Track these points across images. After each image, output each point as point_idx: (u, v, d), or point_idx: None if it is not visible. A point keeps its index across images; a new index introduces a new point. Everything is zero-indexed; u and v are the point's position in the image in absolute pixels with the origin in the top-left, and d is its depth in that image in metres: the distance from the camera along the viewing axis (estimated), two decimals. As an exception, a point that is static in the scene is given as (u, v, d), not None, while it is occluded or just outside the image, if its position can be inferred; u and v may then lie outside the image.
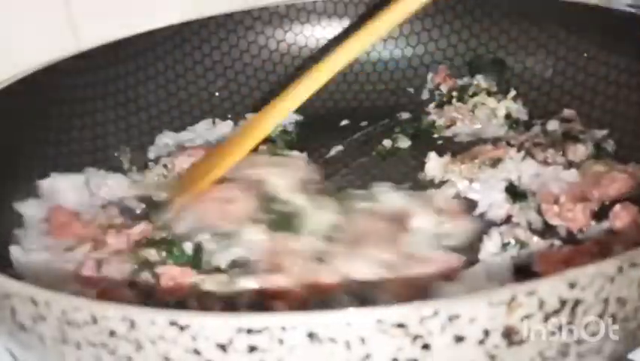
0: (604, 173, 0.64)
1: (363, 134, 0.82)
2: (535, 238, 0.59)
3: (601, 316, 0.39)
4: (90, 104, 0.80)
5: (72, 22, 0.86)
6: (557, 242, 0.58)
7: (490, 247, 0.58)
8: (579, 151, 0.69)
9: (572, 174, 0.65)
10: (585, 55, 0.79)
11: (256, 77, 0.90)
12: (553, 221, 0.61)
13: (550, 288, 0.37)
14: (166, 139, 0.84)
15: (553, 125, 0.75)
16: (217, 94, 0.89)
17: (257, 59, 0.90)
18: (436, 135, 0.80)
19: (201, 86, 0.89)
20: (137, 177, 0.76)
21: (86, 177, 0.73)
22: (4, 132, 0.69)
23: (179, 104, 0.87)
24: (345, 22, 0.91)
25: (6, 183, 0.67)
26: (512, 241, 0.58)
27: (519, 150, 0.69)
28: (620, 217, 0.58)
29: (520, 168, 0.67)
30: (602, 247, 0.54)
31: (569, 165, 0.67)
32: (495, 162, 0.68)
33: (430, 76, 0.88)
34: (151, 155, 0.81)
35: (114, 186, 0.73)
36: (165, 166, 0.75)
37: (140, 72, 0.85)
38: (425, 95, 0.87)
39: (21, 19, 0.83)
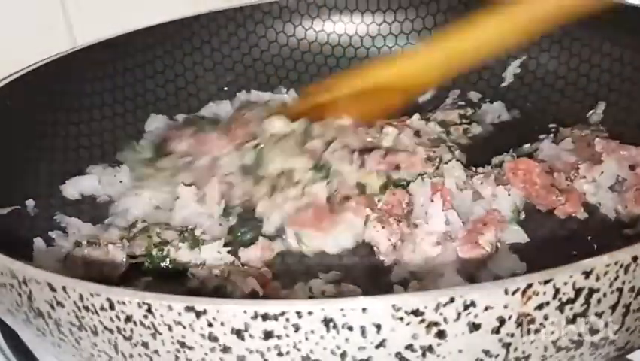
0: None
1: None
2: None
3: (615, 306, 0.39)
4: (98, 98, 0.81)
5: (67, 19, 0.86)
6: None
7: None
8: None
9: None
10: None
11: (265, 71, 0.91)
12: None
13: (566, 276, 0.37)
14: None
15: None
16: (226, 88, 0.89)
17: (266, 53, 0.91)
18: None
19: (210, 80, 0.89)
20: None
21: (97, 176, 0.74)
22: (4, 130, 0.69)
23: (188, 98, 0.87)
24: (356, 17, 0.91)
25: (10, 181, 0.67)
26: None
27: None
28: None
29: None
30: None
31: None
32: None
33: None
34: None
35: (126, 180, 0.74)
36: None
37: (148, 66, 0.85)
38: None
39: (16, 18, 0.83)
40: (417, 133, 0.75)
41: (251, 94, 0.88)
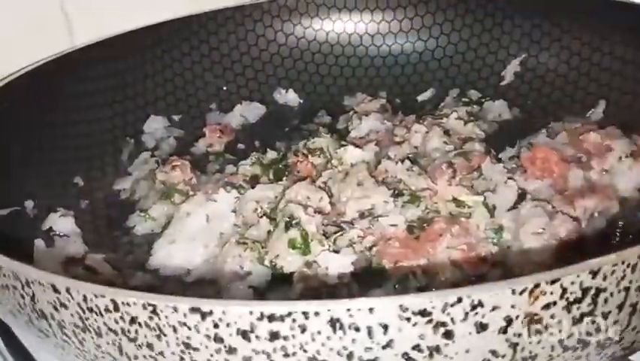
0: None
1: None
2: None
3: (621, 305, 0.39)
4: (97, 97, 0.80)
5: (67, 18, 0.86)
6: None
7: None
8: None
9: None
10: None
11: (264, 70, 0.90)
12: None
13: (573, 276, 0.37)
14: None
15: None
16: (225, 88, 0.89)
17: (265, 52, 0.90)
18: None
19: (208, 79, 0.89)
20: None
21: None
22: (3, 131, 0.69)
23: (187, 98, 0.87)
24: (355, 16, 0.91)
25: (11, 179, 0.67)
26: None
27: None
28: None
29: None
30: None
31: None
32: None
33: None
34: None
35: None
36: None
37: (147, 65, 0.85)
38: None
39: (15, 18, 0.82)
40: (447, 132, 0.73)
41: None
